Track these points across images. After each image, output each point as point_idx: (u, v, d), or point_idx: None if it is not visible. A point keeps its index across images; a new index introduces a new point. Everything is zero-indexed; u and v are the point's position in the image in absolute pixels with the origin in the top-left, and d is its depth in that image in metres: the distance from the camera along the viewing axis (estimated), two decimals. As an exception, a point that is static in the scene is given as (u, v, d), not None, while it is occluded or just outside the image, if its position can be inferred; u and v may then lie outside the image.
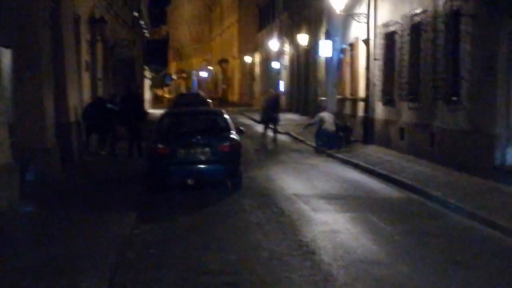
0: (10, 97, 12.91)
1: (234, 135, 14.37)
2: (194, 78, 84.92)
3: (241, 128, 15.72)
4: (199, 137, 14.00)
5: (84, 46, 20.93)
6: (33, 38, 14.19)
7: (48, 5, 15.33)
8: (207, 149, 13.77)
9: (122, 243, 9.28)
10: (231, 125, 14.86)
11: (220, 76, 75.20)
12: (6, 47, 12.77)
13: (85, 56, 21.06)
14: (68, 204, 12.08)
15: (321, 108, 22.86)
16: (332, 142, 21.17)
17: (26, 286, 7.24)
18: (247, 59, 57.19)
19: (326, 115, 21.86)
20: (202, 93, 42.34)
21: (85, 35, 21.08)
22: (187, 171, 13.92)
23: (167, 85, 71.64)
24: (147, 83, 52.33)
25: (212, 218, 11.42)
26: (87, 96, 20.95)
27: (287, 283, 7.60)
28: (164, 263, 8.50)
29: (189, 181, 14.55)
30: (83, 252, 8.67)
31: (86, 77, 21.12)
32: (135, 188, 14.04)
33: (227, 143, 13.95)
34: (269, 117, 24.29)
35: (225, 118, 15.03)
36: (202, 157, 13.75)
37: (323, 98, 25.49)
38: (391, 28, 20.61)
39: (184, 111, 17.83)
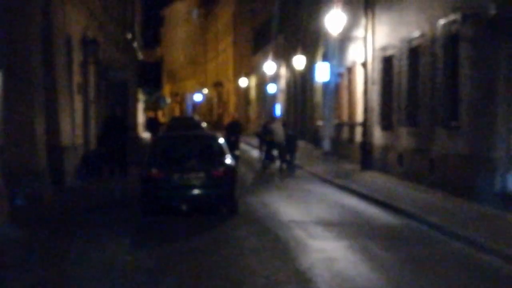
0: (1, 121, 12.92)
1: (229, 160, 14.40)
2: (189, 101, 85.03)
3: (237, 153, 15.76)
4: (193, 161, 14.03)
5: (76, 68, 21.00)
6: (24, 59, 14.22)
7: (39, 25, 15.40)
8: (201, 174, 13.79)
9: (113, 271, 9.26)
10: (226, 150, 14.87)
11: (215, 99, 75.30)
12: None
13: (77, 78, 21.11)
14: (60, 226, 12.09)
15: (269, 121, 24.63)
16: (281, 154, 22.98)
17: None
18: (242, 82, 57.36)
19: (276, 126, 23.27)
20: (196, 117, 42.38)
21: (77, 57, 21.16)
22: (181, 196, 13.92)
23: (161, 108, 71.72)
24: (140, 106, 52.40)
25: (206, 244, 11.39)
26: (79, 118, 21.00)
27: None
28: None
29: (184, 207, 14.52)
30: (70, 281, 8.67)
31: (78, 99, 21.17)
32: (127, 212, 14.05)
33: (221, 168, 13.97)
34: (228, 141, 23.72)
35: (219, 143, 15.04)
36: (197, 182, 13.76)
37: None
38: (389, 52, 20.76)
39: (178, 135, 17.86)
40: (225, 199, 13.99)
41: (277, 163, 24.15)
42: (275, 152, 24.25)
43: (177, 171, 13.79)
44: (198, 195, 13.83)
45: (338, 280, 8.89)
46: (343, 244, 11.22)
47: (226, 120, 34.27)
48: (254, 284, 8.74)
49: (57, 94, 17.16)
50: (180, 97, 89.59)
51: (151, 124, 42.19)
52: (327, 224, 13.08)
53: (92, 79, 24.16)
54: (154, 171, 13.76)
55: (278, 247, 11.09)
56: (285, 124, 25.92)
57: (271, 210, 15.08)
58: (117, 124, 20.93)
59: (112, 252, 10.34)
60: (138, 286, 8.79)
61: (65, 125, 17.87)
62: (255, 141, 29.57)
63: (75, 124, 19.93)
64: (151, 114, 54.48)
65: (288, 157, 23.67)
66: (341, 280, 8.87)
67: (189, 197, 13.89)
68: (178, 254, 10.64)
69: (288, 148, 23.87)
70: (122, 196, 16.47)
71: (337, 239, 11.64)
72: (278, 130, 23.36)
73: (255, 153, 27.94)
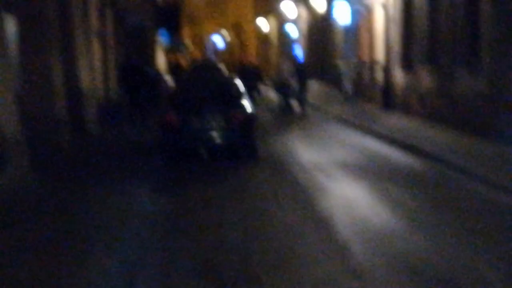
0: (17, 67, 12.81)
1: (247, 103, 14.29)
2: (208, 44, 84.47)
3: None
4: (211, 105, 13.92)
5: (93, 13, 20.79)
6: (39, 4, 14.00)
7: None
8: (220, 118, 13.70)
9: (131, 217, 9.32)
10: (245, 94, 14.76)
11: (235, 43, 74.69)
12: (10, 13, 12.61)
13: (95, 24, 20.93)
14: (79, 175, 12.16)
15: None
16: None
17: (34, 259, 7.32)
18: (262, 23, 56.76)
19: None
20: (216, 61, 42.09)
21: (93, 2, 20.95)
22: (200, 141, 13.83)
23: (181, 52, 71.42)
24: (160, 50, 52.00)
25: (225, 190, 11.36)
26: (98, 64, 20.93)
27: (303, 256, 7.59)
28: (177, 237, 8.51)
29: (203, 152, 14.42)
30: (93, 228, 8.73)
31: (96, 45, 21.02)
32: (147, 159, 14.07)
33: (239, 112, 13.88)
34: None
35: (238, 87, 14.93)
36: (216, 126, 13.68)
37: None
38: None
39: (195, 79, 17.69)
40: (244, 143, 13.93)
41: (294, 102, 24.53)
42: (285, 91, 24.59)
43: (195, 116, 13.69)
44: (217, 139, 13.75)
45: (359, 224, 8.85)
46: (363, 186, 11.19)
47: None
48: (273, 230, 8.73)
49: (74, 39, 16.99)
50: (199, 40, 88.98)
51: (173, 69, 42.09)
52: (347, 166, 13.04)
53: (110, 25, 23.98)
54: (172, 116, 13.66)
55: (297, 190, 11.09)
56: (302, 65, 26.04)
57: (291, 153, 15.05)
58: (135, 72, 20.85)
59: (132, 198, 10.38)
60: (157, 232, 8.82)
61: (84, 71, 17.76)
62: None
63: (94, 70, 19.86)
64: (172, 58, 54.11)
65: (297, 92, 24.10)
66: (361, 225, 8.84)
67: (207, 141, 13.80)
68: (197, 200, 10.64)
69: (299, 82, 24.20)
70: (142, 143, 16.49)
71: (357, 182, 11.60)
72: (286, 67, 24.21)
73: (273, 95, 27.79)
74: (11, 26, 12.45)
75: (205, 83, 15.90)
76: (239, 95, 14.53)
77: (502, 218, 9.17)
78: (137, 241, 8.35)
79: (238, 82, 15.32)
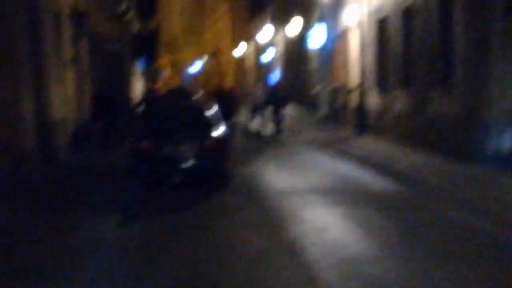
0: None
1: (220, 130, 14.09)
2: (187, 71, 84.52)
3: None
4: (184, 132, 13.69)
5: (67, 42, 20.57)
6: (8, 34, 13.75)
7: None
8: (192, 145, 13.46)
9: (104, 247, 9.06)
10: (219, 120, 14.54)
11: (213, 69, 74.75)
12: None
13: (69, 52, 20.70)
14: (47, 205, 11.85)
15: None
16: None
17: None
18: (239, 49, 56.85)
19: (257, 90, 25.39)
20: (191, 87, 42.03)
21: (67, 30, 20.71)
22: (173, 169, 13.62)
23: (158, 79, 71.33)
24: (138, 78, 51.85)
25: (197, 218, 11.10)
26: (72, 92, 20.64)
27: (273, 283, 7.36)
28: (147, 266, 8.24)
29: (176, 179, 14.18)
30: (62, 257, 8.46)
31: (70, 73, 20.77)
32: (119, 186, 13.81)
33: (213, 139, 13.66)
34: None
35: (210, 114, 14.66)
36: (188, 154, 13.46)
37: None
38: (383, 14, 20.40)
39: (168, 106, 17.35)
40: (216, 170, 13.71)
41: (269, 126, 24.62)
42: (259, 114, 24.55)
43: (168, 143, 13.45)
44: (189, 166, 13.49)
45: (330, 251, 8.64)
46: (336, 211, 10.99)
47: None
48: (242, 258, 8.48)
49: (46, 68, 16.71)
50: (179, 67, 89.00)
51: (148, 95, 41.98)
52: (319, 192, 12.83)
53: (84, 53, 23.72)
54: (147, 145, 13.40)
55: (269, 217, 10.85)
56: (276, 88, 26.13)
57: (264, 177, 14.85)
58: (107, 102, 20.79)
59: (102, 229, 10.10)
60: (126, 259, 8.55)
61: (56, 100, 17.47)
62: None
63: (67, 98, 19.57)
64: (149, 85, 54.00)
65: (274, 115, 24.18)
66: (333, 251, 8.62)
67: (180, 168, 13.55)
68: (168, 228, 10.35)
69: (275, 106, 24.29)
70: (113, 169, 16.20)
71: (330, 207, 11.39)
72: (258, 91, 24.57)
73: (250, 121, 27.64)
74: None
75: (178, 111, 15.52)
76: (211, 122, 14.26)
77: (475, 241, 8.99)
78: (105, 269, 8.09)
79: (212, 108, 15.06)
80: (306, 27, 32.70)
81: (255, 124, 25.44)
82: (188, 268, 8.15)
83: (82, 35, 22.80)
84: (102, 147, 19.96)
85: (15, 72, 13.87)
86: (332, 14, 27.19)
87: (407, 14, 18.23)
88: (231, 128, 21.49)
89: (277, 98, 25.26)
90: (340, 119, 25.95)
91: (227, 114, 22.08)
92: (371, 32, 21.70)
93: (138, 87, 49.53)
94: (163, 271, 8.02)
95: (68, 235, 9.74)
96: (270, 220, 10.64)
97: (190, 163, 13.43)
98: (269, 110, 25.17)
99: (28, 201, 12.31)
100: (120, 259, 8.66)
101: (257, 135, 24.71)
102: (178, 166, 13.50)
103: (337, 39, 26.95)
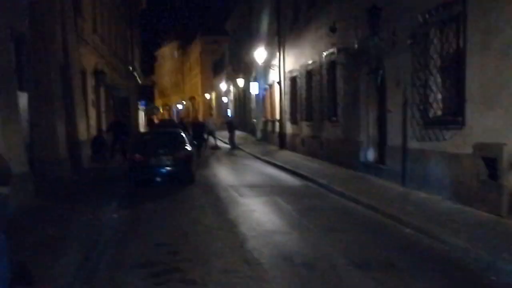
0: (27, 127, 11.73)
1: (188, 147, 13.61)
2: (174, 109, 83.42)
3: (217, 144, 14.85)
4: (164, 149, 13.20)
5: (90, 89, 19.82)
6: (47, 84, 13.09)
7: (59, 62, 14.31)
8: (169, 157, 12.98)
9: (103, 225, 8.49)
10: (187, 141, 14.08)
11: (190, 107, 73.92)
12: (23, 91, 11.72)
13: (91, 96, 19.94)
14: (72, 197, 11.18)
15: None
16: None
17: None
18: (207, 96, 56.36)
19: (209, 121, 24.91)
20: (174, 119, 41.30)
21: (90, 82, 19.96)
22: (156, 172, 13.07)
23: (155, 114, 70.42)
24: (141, 113, 50.83)
25: (169, 204, 10.62)
26: (93, 124, 19.86)
27: (214, 249, 6.94)
28: (131, 238, 7.74)
29: (157, 179, 13.61)
30: (72, 233, 7.85)
31: (92, 110, 20.02)
32: (121, 185, 13.17)
33: (183, 153, 13.19)
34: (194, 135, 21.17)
35: (183, 136, 14.23)
36: (166, 163, 12.96)
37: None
38: (294, 74, 20.23)
39: (154, 132, 16.80)
40: (185, 173, 13.21)
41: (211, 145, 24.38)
42: (205, 137, 23.77)
43: (153, 156, 12.95)
44: (167, 171, 13.00)
45: (255, 225, 8.28)
46: (261, 199, 10.64)
47: (194, 120, 33.51)
48: (197, 230, 8.05)
49: (74, 107, 16.03)
50: (168, 107, 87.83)
51: (149, 123, 41.53)
52: (252, 186, 12.48)
53: (102, 97, 22.92)
54: (137, 156, 12.91)
55: (218, 203, 10.44)
56: (231, 122, 25.72)
57: (218, 178, 14.41)
58: (120, 126, 20.00)
59: (103, 212, 9.52)
60: (118, 233, 8.02)
61: (82, 127, 16.79)
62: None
63: (89, 126, 18.80)
64: (150, 117, 53.15)
65: (228, 140, 23.88)
66: (257, 225, 8.26)
67: (161, 173, 13.05)
68: (150, 211, 9.85)
69: (229, 131, 24.14)
70: (119, 173, 15.53)
71: (258, 196, 11.03)
72: (210, 122, 24.06)
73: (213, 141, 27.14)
74: (23, 101, 11.48)
75: (163, 134, 15.13)
76: (184, 142, 13.81)
77: (350, 218, 8.76)
78: (101, 239, 7.52)
79: (184, 134, 14.62)
80: (248, 81, 32.44)
81: (213, 141, 25.01)
82: (161, 233, 7.72)
83: (101, 85, 22.04)
84: (112, 157, 19.12)
85: (51, 109, 13.22)
86: (263, 74, 27.01)
87: (309, 74, 18.10)
88: (201, 144, 21.08)
89: (230, 125, 25.02)
90: (269, 139, 25.69)
91: (200, 136, 21.61)
92: (287, 86, 21.53)
93: (141, 118, 48.54)
94: (144, 236, 7.58)
95: (83, 216, 9.14)
96: (219, 204, 10.25)
97: (168, 169, 12.93)
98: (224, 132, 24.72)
99: (61, 194, 11.63)
100: (115, 228, 8.15)
101: (215, 147, 24.38)
102: (160, 171, 12.98)
103: (266, 89, 26.76)
